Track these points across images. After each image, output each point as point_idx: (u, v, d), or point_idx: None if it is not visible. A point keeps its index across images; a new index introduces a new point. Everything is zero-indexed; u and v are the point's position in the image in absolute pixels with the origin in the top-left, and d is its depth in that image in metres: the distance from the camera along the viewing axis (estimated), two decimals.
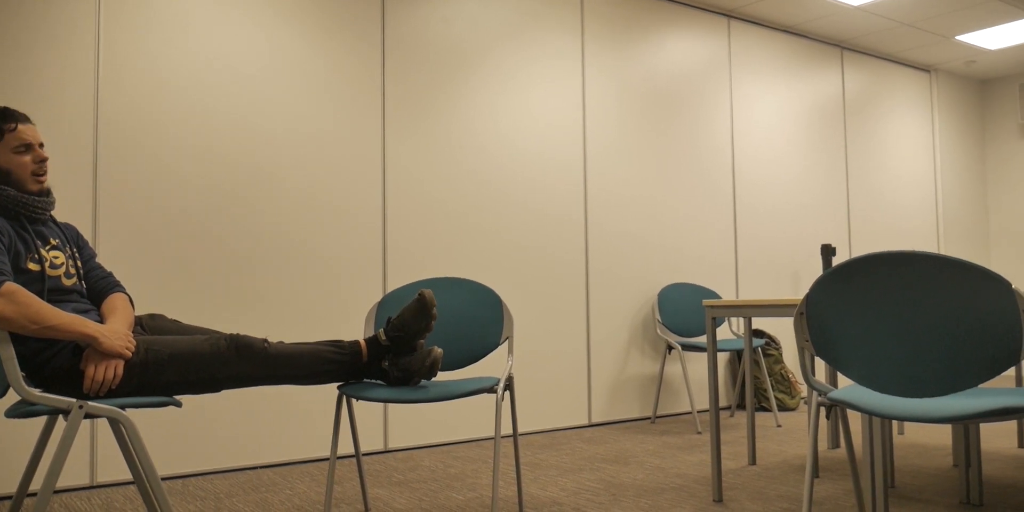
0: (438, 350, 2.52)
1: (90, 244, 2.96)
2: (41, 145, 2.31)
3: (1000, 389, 2.18)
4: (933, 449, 3.82)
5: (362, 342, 2.50)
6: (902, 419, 1.89)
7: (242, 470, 3.61)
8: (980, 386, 3.02)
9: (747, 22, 5.69)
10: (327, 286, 3.87)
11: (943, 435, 4.18)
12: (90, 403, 2.01)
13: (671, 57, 5.26)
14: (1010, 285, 1.77)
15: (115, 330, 2.17)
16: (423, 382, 2.63)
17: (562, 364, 4.62)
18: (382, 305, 2.98)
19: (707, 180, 5.39)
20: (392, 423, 4.01)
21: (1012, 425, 4.45)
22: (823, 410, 2.12)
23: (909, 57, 6.72)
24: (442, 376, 3.97)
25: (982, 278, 1.80)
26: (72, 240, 2.41)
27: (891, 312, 1.91)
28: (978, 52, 6.61)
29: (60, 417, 2.06)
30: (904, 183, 6.75)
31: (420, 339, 2.53)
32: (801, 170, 5.96)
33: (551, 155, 4.65)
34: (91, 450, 3.30)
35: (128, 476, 3.37)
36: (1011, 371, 6.45)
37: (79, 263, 2.38)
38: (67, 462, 3.25)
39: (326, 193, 3.89)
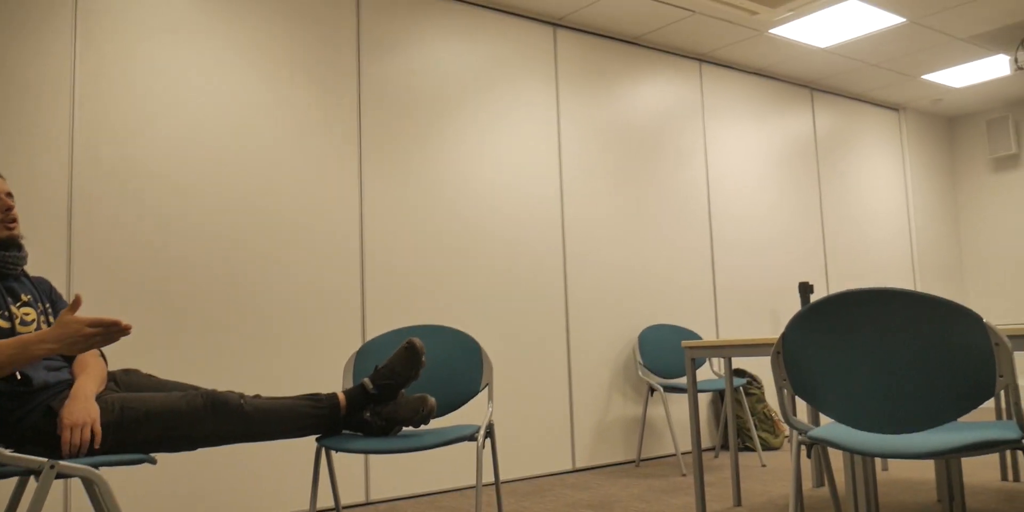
0: (431, 399, 2.49)
1: (64, 297, 2.93)
2: (9, 195, 2.28)
3: (979, 423, 2.18)
4: (917, 484, 3.81)
5: (340, 394, 2.47)
6: (883, 456, 1.89)
7: None
8: (959, 420, 3.02)
9: (718, 66, 5.80)
10: (304, 335, 3.84)
11: (927, 470, 4.17)
12: (62, 462, 1.98)
13: (645, 101, 5.34)
14: (980, 319, 1.79)
15: (77, 402, 2.13)
16: (403, 430, 2.60)
17: (544, 408, 4.59)
18: (360, 354, 2.97)
19: (684, 222, 5.43)
20: (373, 474, 3.95)
21: (994, 458, 4.45)
22: (804, 449, 2.11)
23: (877, 96, 6.86)
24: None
25: (953, 313, 1.82)
26: (44, 295, 2.38)
27: (866, 349, 1.92)
28: (945, 90, 6.75)
29: (32, 477, 2.02)
30: (878, 219, 6.83)
31: (405, 387, 2.51)
32: (776, 209, 6.03)
33: (528, 202, 4.68)
34: (64, 510, 3.23)
35: None
36: (990, 403, 6.47)
37: (51, 319, 2.35)
38: None
39: (303, 242, 3.89)
